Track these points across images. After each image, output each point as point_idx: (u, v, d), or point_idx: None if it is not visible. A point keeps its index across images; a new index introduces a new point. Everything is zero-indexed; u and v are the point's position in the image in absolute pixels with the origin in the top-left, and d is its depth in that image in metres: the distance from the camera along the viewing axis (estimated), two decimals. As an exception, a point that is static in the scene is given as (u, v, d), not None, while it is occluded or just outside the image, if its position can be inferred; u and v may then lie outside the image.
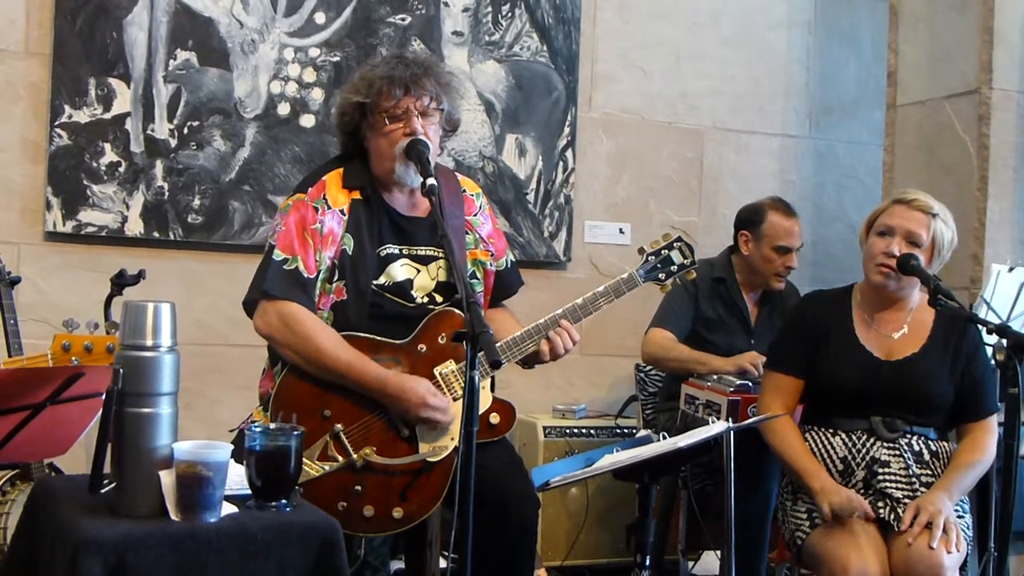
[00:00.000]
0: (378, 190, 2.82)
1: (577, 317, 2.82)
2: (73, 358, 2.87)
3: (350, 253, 2.75)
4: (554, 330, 2.78)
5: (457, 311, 2.72)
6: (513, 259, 3.06)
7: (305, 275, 2.70)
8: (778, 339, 3.24)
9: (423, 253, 2.83)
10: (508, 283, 3.02)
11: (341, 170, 2.82)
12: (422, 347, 2.75)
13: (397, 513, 2.67)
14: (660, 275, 2.92)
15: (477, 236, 2.93)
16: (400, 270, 2.80)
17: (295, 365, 2.69)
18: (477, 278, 2.91)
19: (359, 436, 2.67)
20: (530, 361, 2.85)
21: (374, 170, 2.82)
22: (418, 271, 2.82)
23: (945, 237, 2.98)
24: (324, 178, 2.79)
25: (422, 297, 2.81)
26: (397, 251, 2.80)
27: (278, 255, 2.70)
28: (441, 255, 2.83)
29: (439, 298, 2.82)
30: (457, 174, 3.03)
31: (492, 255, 2.95)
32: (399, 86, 2.74)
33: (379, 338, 2.72)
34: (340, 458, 2.65)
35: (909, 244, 2.95)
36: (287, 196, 2.87)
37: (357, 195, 2.79)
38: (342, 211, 2.76)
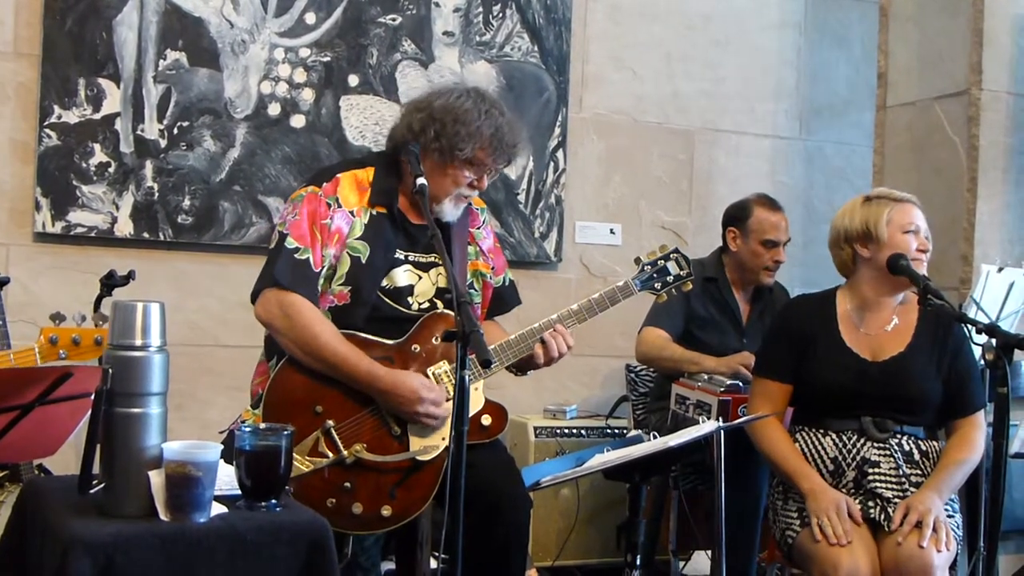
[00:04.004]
0: (400, 206, 2.83)
1: (571, 323, 2.83)
2: (61, 351, 2.85)
3: (363, 262, 2.74)
4: (549, 333, 2.78)
5: (452, 313, 2.72)
6: (512, 278, 3.08)
7: (313, 268, 2.70)
8: (764, 345, 3.25)
9: (424, 260, 2.84)
10: (505, 300, 3.04)
11: (358, 173, 2.81)
12: (416, 347, 2.75)
13: (386, 511, 2.67)
14: (656, 285, 2.95)
15: (479, 248, 2.96)
16: (403, 276, 2.81)
17: (291, 359, 2.69)
18: (475, 289, 2.92)
19: (350, 433, 2.67)
20: (524, 367, 2.86)
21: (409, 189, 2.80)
22: (420, 277, 2.83)
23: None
24: (339, 176, 2.79)
25: (422, 303, 2.82)
26: (403, 257, 2.82)
27: (291, 243, 2.70)
28: (442, 262, 2.83)
29: (440, 304, 2.83)
30: None
31: (493, 268, 2.97)
32: (502, 150, 2.80)
33: (372, 337, 2.73)
34: (330, 454, 2.65)
35: (925, 239, 3.02)
36: (301, 185, 2.87)
37: (382, 210, 2.79)
38: (352, 212, 2.76)
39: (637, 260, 2.96)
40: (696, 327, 4.01)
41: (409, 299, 2.80)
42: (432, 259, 2.84)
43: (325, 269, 2.73)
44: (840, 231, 3.07)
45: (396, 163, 2.85)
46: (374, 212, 2.78)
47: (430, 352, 2.76)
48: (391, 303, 2.78)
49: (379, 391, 2.67)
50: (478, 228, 2.98)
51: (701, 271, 4.04)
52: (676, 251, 2.97)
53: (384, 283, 2.78)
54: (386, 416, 2.70)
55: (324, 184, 2.76)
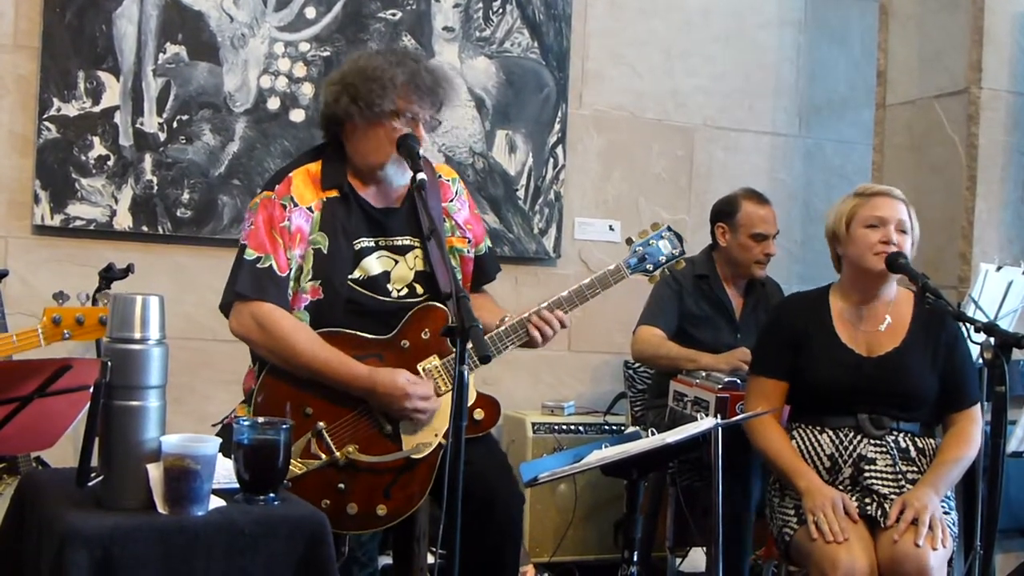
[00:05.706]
0: (353, 186, 2.78)
1: (563, 310, 2.81)
2: (64, 331, 2.84)
3: (325, 252, 2.71)
4: (538, 319, 2.74)
5: (440, 306, 2.71)
6: (491, 244, 3.04)
7: (278, 273, 2.67)
8: (759, 344, 3.25)
9: (399, 243, 2.80)
10: (486, 269, 2.99)
11: (310, 167, 2.77)
12: (405, 343, 2.72)
13: (381, 510, 2.66)
14: (647, 267, 2.90)
15: (454, 223, 2.90)
16: (376, 263, 2.76)
17: (274, 365, 2.67)
18: (454, 266, 2.88)
19: (342, 434, 2.66)
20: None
21: (357, 164, 2.77)
22: (396, 262, 2.79)
23: (916, 224, 3.06)
24: (290, 175, 2.74)
25: (400, 289, 2.78)
26: (372, 244, 2.77)
27: (250, 254, 2.67)
28: (418, 244, 2.80)
29: (419, 288, 2.79)
30: (431, 160, 3.00)
31: (469, 241, 2.92)
32: (423, 93, 2.71)
33: (361, 334, 2.70)
34: (323, 456, 2.63)
35: (900, 232, 2.99)
36: (257, 193, 2.84)
37: (334, 193, 2.75)
38: (309, 208, 2.72)
39: (629, 240, 2.92)
40: (690, 324, 4.01)
41: (388, 286, 2.76)
42: (407, 241, 2.80)
43: (293, 271, 2.69)
44: (826, 230, 3.12)
45: (340, 146, 2.80)
46: (327, 199, 2.74)
47: (420, 347, 2.72)
48: (368, 293, 2.74)
49: (365, 391, 2.65)
50: (451, 201, 2.91)
51: (692, 269, 4.04)
52: (668, 229, 2.92)
53: (357, 274, 2.74)
54: (377, 415, 2.68)
55: (276, 187, 2.72)
